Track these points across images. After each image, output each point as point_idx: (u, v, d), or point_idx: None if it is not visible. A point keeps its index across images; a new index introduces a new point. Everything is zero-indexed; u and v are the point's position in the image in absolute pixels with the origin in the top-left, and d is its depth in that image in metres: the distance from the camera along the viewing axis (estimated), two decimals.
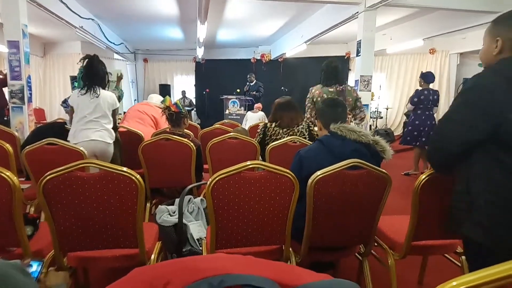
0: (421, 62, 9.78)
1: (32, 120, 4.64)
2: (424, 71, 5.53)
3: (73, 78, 7.23)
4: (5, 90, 4.97)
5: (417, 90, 5.35)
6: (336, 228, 1.76)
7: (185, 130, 3.03)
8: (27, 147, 2.51)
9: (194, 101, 11.22)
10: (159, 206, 2.39)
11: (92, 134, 2.92)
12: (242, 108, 9.23)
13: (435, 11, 6.57)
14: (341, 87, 3.35)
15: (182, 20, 7.53)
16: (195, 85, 11.74)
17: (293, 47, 8.91)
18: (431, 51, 9.44)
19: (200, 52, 10.01)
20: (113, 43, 8.81)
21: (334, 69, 3.37)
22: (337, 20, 6.28)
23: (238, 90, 9.74)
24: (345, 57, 10.37)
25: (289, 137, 2.67)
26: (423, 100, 5.17)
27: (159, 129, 3.95)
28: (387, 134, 8.36)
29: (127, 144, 3.31)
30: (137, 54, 11.64)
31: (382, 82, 10.04)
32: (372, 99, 6.43)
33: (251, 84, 9.30)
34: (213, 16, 6.76)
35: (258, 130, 2.95)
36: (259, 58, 11.10)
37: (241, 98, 9.26)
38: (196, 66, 11.63)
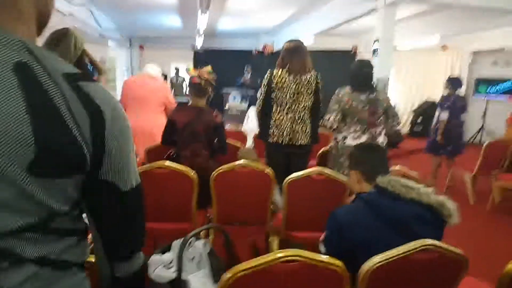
0: (431, 59, 9.29)
1: None
2: (450, 75, 5.08)
3: None
4: None
5: (444, 96, 4.79)
6: None
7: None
8: None
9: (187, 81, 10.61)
10: (152, 256, 1.94)
11: None
12: (243, 103, 8.65)
13: (448, 9, 6.04)
14: (373, 95, 2.81)
15: (181, 8, 6.94)
16: None
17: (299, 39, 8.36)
18: (443, 48, 8.95)
19: (199, 42, 9.42)
20: (107, 29, 8.19)
21: (366, 74, 2.85)
22: (349, 14, 5.75)
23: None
24: (352, 52, 9.78)
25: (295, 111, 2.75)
26: (450, 106, 4.65)
27: (170, 108, 3.51)
28: (396, 134, 7.87)
29: None
30: (133, 40, 10.98)
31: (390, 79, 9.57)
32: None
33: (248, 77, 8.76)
34: (216, 5, 6.18)
35: (264, 82, 2.83)
36: (261, 50, 10.47)
37: (242, 91, 8.69)
38: (195, 55, 11.00)
